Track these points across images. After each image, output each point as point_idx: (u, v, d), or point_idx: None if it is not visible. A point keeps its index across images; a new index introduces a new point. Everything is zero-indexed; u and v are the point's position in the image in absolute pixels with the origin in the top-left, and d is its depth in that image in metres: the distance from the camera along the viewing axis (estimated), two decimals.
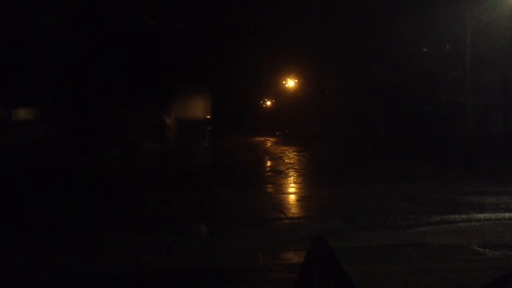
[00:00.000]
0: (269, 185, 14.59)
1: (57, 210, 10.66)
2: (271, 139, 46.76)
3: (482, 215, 9.25)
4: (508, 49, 23.27)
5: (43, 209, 10.75)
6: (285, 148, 32.34)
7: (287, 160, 22.96)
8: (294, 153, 27.71)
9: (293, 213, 10.25)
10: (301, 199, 12.07)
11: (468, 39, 22.04)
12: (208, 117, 40.35)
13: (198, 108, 39.11)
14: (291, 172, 17.77)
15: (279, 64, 49.54)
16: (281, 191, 13.60)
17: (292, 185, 14.80)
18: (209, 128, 40.44)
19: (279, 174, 17.23)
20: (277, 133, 56.34)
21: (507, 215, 9.29)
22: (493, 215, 9.25)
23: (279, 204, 11.25)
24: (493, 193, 11.77)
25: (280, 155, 26.54)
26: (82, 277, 6.18)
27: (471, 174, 16.12)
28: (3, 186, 13.78)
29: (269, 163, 22.52)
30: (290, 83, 53.78)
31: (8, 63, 21.66)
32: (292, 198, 12.54)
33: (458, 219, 8.94)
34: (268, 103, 71.69)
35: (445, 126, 27.06)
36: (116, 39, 25.32)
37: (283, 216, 9.89)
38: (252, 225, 8.86)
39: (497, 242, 7.37)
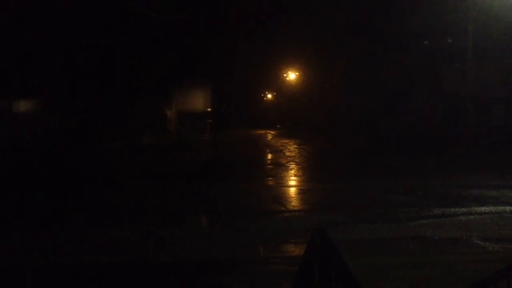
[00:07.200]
0: (270, 178, 14.59)
1: (57, 203, 10.66)
2: (272, 132, 46.70)
3: (482, 209, 9.27)
4: (510, 41, 23.18)
5: (41, 203, 10.74)
6: (286, 141, 32.32)
7: (287, 153, 22.94)
8: (295, 146, 27.69)
9: (293, 206, 10.27)
10: (301, 192, 12.09)
11: (469, 32, 21.98)
12: (209, 109, 40.31)
13: (199, 101, 39.09)
14: (291, 165, 17.77)
15: (280, 57, 49.44)
16: (281, 184, 13.60)
17: (293, 178, 14.80)
18: (210, 120, 40.40)
19: (279, 167, 17.23)
20: (278, 126, 56.25)
21: (507, 208, 9.31)
22: (493, 209, 9.27)
23: (279, 197, 11.26)
24: (494, 186, 11.79)
25: (280, 148, 26.52)
26: (81, 271, 6.20)
27: (471, 167, 16.14)
28: (4, 179, 13.78)
29: (269, 156, 22.51)
30: (291, 75, 53.64)
31: (8, 55, 21.61)
32: (292, 191, 12.55)
33: (458, 212, 8.96)
34: (269, 96, 71.58)
35: (446, 119, 27.01)
36: (116, 31, 25.25)
37: (283, 209, 9.91)
38: (253, 218, 8.87)
39: (497, 235, 7.40)
